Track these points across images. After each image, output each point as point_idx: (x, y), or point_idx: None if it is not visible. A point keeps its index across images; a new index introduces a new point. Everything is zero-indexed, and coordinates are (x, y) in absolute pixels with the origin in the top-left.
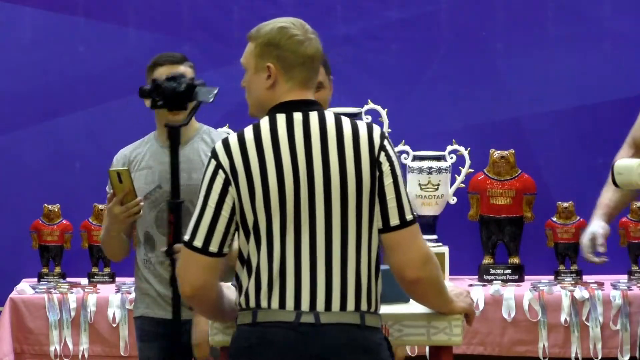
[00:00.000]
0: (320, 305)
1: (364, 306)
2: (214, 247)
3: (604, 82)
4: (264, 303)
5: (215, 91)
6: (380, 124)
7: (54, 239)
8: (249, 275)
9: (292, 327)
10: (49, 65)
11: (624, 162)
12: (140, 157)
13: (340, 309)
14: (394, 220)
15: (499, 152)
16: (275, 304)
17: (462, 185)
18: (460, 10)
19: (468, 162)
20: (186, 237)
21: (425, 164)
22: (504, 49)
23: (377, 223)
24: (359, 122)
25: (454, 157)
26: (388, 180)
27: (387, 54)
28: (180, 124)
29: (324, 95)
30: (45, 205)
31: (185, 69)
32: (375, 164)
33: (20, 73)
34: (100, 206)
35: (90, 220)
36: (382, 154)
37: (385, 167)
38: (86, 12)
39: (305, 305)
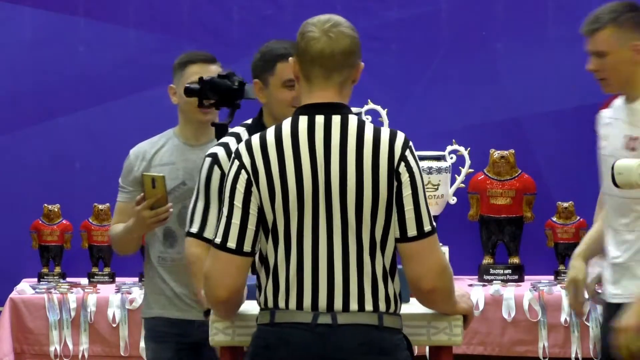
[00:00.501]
0: (338, 305)
1: (382, 307)
2: (247, 247)
3: None
4: (281, 303)
5: None
6: (380, 124)
7: (54, 239)
8: (267, 275)
9: (310, 328)
10: (49, 65)
11: (623, 161)
12: (161, 153)
13: (359, 310)
14: (412, 231)
15: (499, 152)
16: (292, 304)
17: (462, 185)
18: (460, 10)
19: (468, 162)
20: (218, 240)
21: (425, 164)
22: (504, 49)
23: (395, 232)
24: (383, 129)
25: (454, 157)
26: (407, 192)
27: (387, 54)
28: (227, 122)
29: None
30: (45, 205)
31: (217, 69)
32: (393, 174)
33: (20, 73)
34: (100, 206)
35: (90, 220)
36: (402, 164)
37: (405, 177)
38: (86, 12)
39: (322, 306)
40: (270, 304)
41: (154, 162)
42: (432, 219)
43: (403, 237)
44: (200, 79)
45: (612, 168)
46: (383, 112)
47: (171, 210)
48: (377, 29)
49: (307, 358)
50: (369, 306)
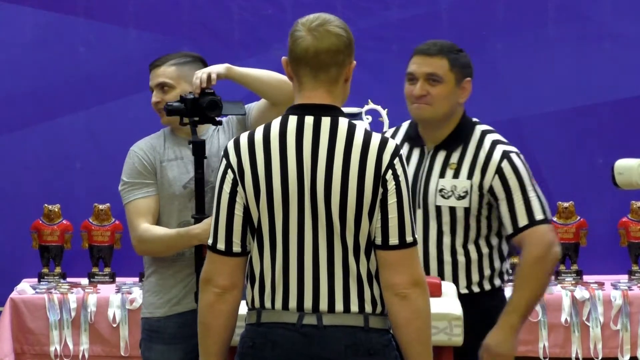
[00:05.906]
0: (323, 306)
1: (368, 308)
2: (237, 248)
3: (604, 82)
4: (267, 304)
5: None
6: (381, 124)
7: (54, 239)
8: (254, 275)
9: (295, 328)
10: (49, 65)
11: (624, 161)
12: (167, 147)
13: (344, 311)
14: (394, 240)
15: None
16: (278, 304)
17: None
18: (460, 10)
19: None
20: (210, 241)
21: None
22: (504, 49)
23: (377, 238)
24: (374, 135)
25: None
26: (392, 199)
27: (387, 54)
28: (203, 139)
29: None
30: (45, 205)
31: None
32: (379, 180)
33: (20, 73)
34: (100, 206)
35: (91, 220)
36: (390, 172)
37: (391, 185)
38: (86, 12)
39: (308, 306)
40: (257, 304)
41: (165, 156)
42: (415, 231)
43: (384, 245)
44: (182, 97)
45: (612, 168)
46: (383, 112)
47: None
48: (377, 29)
49: (293, 358)
50: (354, 307)
